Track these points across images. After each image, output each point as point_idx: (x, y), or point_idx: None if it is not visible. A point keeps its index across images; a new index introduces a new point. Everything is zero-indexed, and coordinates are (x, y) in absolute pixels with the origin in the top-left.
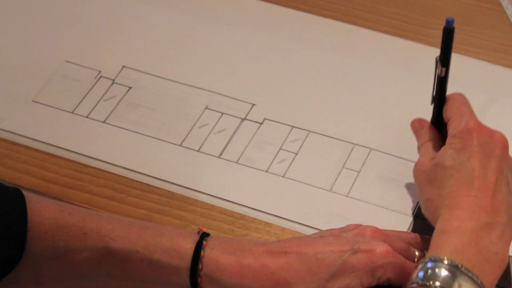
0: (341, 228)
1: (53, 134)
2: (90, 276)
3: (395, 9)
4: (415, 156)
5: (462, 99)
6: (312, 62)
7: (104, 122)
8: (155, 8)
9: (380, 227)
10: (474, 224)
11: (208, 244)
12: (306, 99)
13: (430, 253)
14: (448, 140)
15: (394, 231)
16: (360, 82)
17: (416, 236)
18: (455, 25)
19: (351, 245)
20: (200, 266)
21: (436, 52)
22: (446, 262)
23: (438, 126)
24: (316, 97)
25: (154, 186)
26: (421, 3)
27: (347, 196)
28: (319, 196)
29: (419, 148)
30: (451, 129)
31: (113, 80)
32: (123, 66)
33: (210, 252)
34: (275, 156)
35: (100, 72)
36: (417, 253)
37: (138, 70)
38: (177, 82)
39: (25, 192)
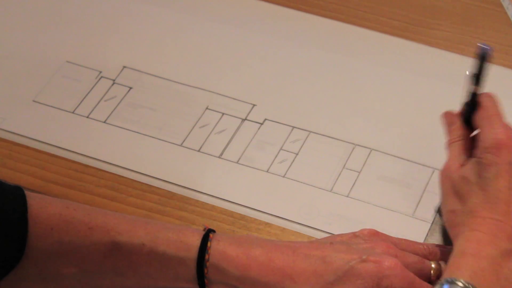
0: (353, 233)
1: (53, 134)
2: (96, 273)
3: (395, 9)
4: (415, 156)
5: (493, 106)
6: (313, 63)
7: (104, 122)
8: (155, 8)
9: (380, 228)
10: (494, 250)
11: (215, 237)
12: (306, 100)
13: (447, 274)
14: (477, 152)
15: (408, 241)
16: (360, 82)
17: (430, 248)
18: (455, 25)
19: (360, 254)
20: (207, 256)
21: (437, 52)
22: (462, 285)
23: (469, 125)
24: (317, 98)
25: (155, 186)
26: (422, 3)
27: (347, 197)
28: (319, 196)
29: (448, 145)
30: (481, 141)
31: (114, 80)
32: (124, 67)
33: (217, 244)
34: (276, 156)
35: (100, 72)
36: (433, 265)
37: (139, 71)
38: (178, 82)
39: (29, 192)
